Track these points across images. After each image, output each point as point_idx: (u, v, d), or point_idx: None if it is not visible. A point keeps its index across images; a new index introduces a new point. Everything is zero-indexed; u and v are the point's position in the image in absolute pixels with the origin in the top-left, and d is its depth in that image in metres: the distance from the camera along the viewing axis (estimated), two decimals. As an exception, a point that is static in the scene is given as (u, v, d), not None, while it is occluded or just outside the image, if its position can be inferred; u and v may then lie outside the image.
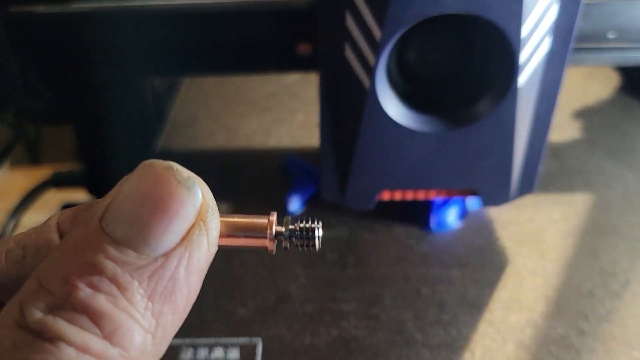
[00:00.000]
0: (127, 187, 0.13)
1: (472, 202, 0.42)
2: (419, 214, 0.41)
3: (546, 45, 0.29)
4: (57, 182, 0.60)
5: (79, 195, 0.64)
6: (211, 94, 0.57)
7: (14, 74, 0.41)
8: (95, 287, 0.12)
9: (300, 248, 0.16)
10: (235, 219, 0.15)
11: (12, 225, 0.59)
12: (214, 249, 0.14)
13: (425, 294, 0.35)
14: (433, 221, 0.40)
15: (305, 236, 0.16)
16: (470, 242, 0.38)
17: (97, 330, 0.12)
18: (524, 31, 0.28)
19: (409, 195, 0.35)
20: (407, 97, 0.32)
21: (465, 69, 0.32)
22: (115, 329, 0.12)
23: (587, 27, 0.36)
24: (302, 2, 0.38)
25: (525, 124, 0.31)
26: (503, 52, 0.29)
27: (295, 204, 0.42)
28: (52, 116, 0.47)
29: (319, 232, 0.16)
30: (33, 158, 1.39)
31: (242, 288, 0.35)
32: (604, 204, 0.41)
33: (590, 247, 0.37)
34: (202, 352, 0.31)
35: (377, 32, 0.28)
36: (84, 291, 0.12)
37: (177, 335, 0.14)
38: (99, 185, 0.54)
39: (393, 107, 0.31)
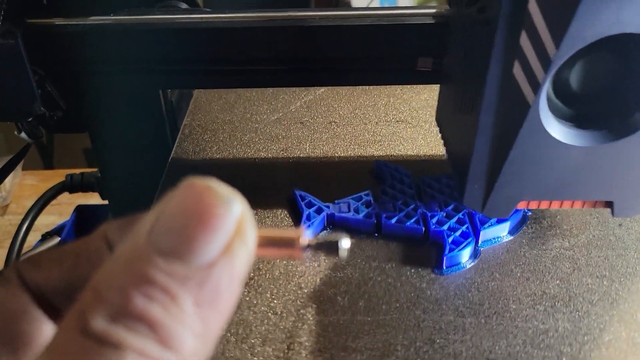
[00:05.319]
0: (172, 204, 0.15)
1: (484, 242, 0.41)
2: (430, 255, 0.40)
3: None
4: (71, 186, 0.62)
5: (92, 199, 0.65)
6: (217, 120, 0.56)
7: (31, 84, 0.42)
8: (149, 297, 0.14)
9: (327, 258, 0.17)
10: (270, 232, 0.17)
11: (26, 225, 0.61)
12: (252, 258, 0.16)
13: (438, 344, 0.34)
14: (445, 262, 0.39)
15: (330, 248, 0.17)
16: (483, 286, 0.37)
17: (154, 336, 0.13)
18: None
19: (544, 205, 0.36)
20: (561, 112, 0.33)
21: (622, 83, 0.32)
22: (169, 334, 0.14)
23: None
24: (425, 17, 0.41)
25: None
26: None
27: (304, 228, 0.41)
28: (68, 125, 0.48)
29: (344, 245, 0.17)
30: (45, 162, 1.41)
31: (251, 336, 0.34)
32: (621, 245, 0.40)
33: (609, 294, 0.36)
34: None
35: (551, 50, 0.28)
36: (140, 301, 0.13)
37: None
38: (112, 190, 0.56)
39: (551, 122, 0.32)
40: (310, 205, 0.43)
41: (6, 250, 0.61)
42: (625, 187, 0.34)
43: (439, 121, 0.43)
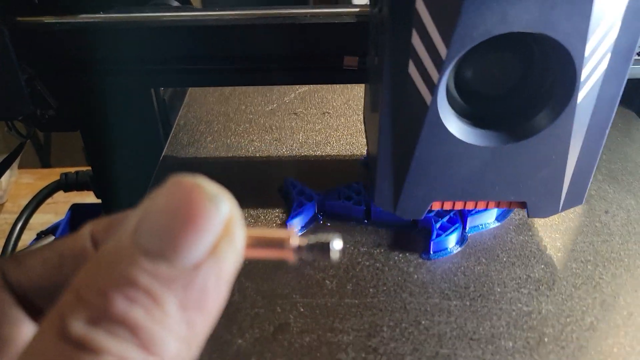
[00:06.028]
0: (158, 202, 0.14)
1: (471, 228, 0.42)
2: (418, 241, 0.40)
3: (606, 63, 0.29)
4: (65, 184, 0.62)
5: (88, 198, 0.66)
6: (213, 111, 0.57)
7: (20, 83, 0.42)
8: (131, 299, 0.13)
9: (318, 259, 0.17)
10: (259, 232, 0.16)
11: (20, 224, 0.61)
12: (240, 260, 0.15)
13: (424, 326, 0.34)
14: (432, 247, 0.40)
15: (322, 249, 0.17)
16: (469, 270, 0.38)
17: (136, 341, 0.13)
18: (587, 49, 0.28)
19: (459, 206, 0.36)
20: (465, 111, 0.32)
21: (523, 84, 0.32)
22: (152, 338, 0.13)
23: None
24: (349, 16, 0.41)
25: (579, 138, 0.32)
26: (564, 69, 0.29)
27: (295, 228, 0.42)
28: (60, 123, 0.48)
29: (335, 246, 0.17)
30: (42, 161, 1.42)
31: (239, 318, 0.35)
32: (606, 231, 0.41)
33: (592, 278, 0.37)
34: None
35: (442, 50, 0.28)
36: (121, 303, 0.13)
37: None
38: (105, 189, 0.56)
39: (452, 122, 0.31)
40: (301, 193, 0.44)
41: (0, 249, 0.60)
42: (536, 188, 0.33)
43: (363, 121, 0.42)
